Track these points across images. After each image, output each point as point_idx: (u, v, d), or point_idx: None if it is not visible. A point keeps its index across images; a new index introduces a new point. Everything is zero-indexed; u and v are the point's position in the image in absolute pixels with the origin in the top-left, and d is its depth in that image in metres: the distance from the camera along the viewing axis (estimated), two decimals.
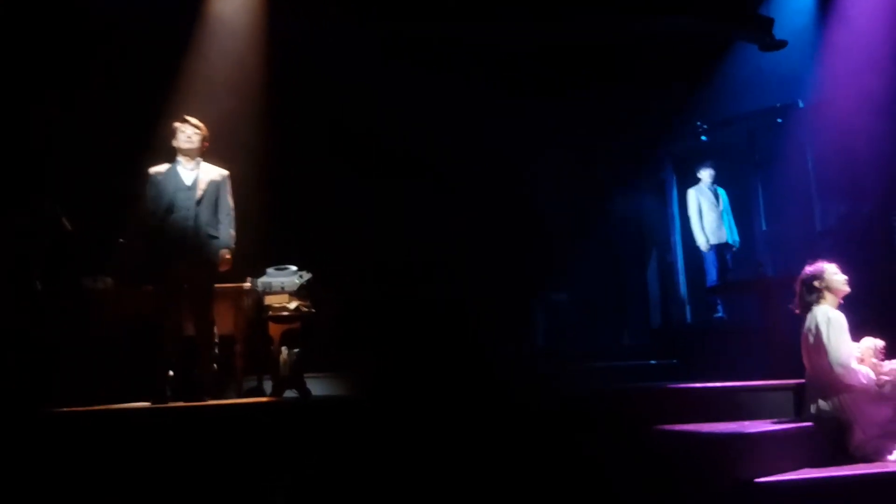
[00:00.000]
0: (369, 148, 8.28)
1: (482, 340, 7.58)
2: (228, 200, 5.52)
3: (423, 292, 7.89)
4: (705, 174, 8.70)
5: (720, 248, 8.58)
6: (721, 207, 8.60)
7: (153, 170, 5.40)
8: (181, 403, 5.04)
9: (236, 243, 5.53)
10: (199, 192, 5.34)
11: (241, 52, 7.41)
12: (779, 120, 8.95)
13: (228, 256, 5.44)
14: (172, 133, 5.41)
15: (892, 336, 4.94)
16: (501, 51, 8.56)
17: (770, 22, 8.11)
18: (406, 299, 7.90)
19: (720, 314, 8.44)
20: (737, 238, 8.66)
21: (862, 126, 7.52)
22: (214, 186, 5.43)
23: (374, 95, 8.08)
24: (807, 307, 4.87)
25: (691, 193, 8.74)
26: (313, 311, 5.66)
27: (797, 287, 4.98)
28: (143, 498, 3.67)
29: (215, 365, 5.43)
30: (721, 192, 8.70)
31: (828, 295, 4.85)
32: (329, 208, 7.99)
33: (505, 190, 8.97)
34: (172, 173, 5.37)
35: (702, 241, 8.59)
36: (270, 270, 5.71)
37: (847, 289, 4.90)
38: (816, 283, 4.85)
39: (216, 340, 5.41)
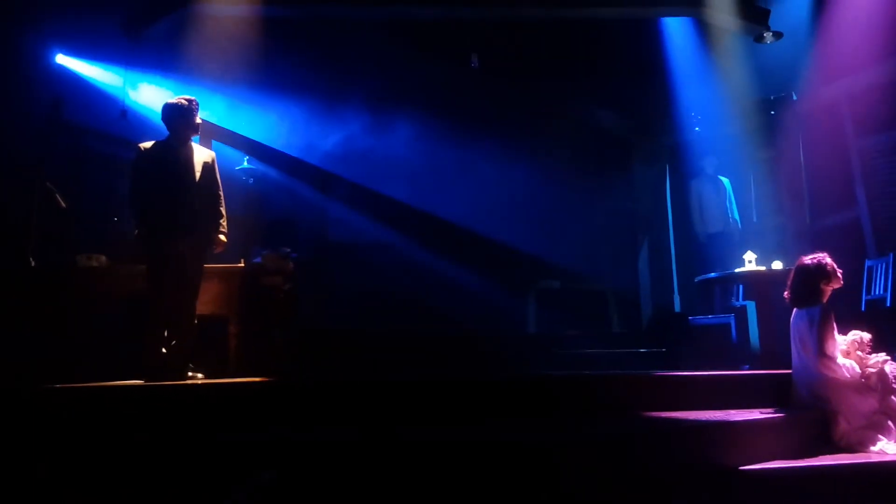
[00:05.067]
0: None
1: (475, 325, 7.63)
2: (218, 181, 5.50)
3: (414, 280, 7.92)
4: (709, 163, 8.70)
5: (718, 238, 8.57)
6: (722, 196, 8.59)
7: (144, 146, 5.32)
8: (175, 382, 5.06)
9: (230, 224, 5.53)
10: (196, 174, 5.30)
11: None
12: (772, 112, 8.99)
13: (223, 238, 5.44)
14: (186, 111, 5.30)
15: (879, 328, 4.98)
16: (495, 37, 8.54)
17: (766, 13, 8.09)
18: (398, 285, 7.93)
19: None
20: (739, 225, 8.62)
21: (855, 119, 7.57)
22: (207, 168, 5.40)
23: (372, 75, 8.08)
24: (805, 301, 4.85)
25: (693, 184, 8.75)
26: (307, 292, 5.68)
27: (795, 276, 4.96)
28: (136, 475, 3.70)
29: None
30: (725, 181, 8.69)
31: (826, 289, 4.86)
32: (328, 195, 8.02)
33: (497, 177, 9.00)
34: (166, 152, 5.30)
35: (700, 231, 8.62)
36: (264, 252, 5.73)
37: (842, 281, 4.93)
38: (821, 281, 4.84)
39: (195, 321, 5.40)
